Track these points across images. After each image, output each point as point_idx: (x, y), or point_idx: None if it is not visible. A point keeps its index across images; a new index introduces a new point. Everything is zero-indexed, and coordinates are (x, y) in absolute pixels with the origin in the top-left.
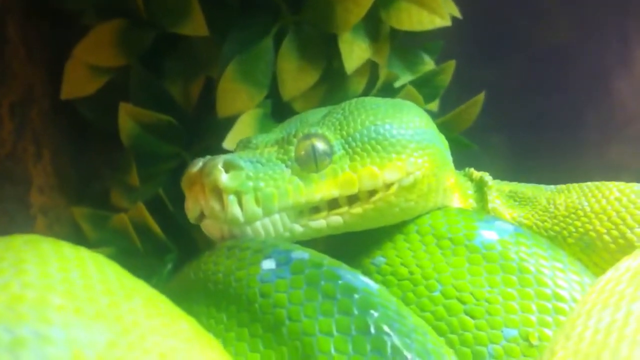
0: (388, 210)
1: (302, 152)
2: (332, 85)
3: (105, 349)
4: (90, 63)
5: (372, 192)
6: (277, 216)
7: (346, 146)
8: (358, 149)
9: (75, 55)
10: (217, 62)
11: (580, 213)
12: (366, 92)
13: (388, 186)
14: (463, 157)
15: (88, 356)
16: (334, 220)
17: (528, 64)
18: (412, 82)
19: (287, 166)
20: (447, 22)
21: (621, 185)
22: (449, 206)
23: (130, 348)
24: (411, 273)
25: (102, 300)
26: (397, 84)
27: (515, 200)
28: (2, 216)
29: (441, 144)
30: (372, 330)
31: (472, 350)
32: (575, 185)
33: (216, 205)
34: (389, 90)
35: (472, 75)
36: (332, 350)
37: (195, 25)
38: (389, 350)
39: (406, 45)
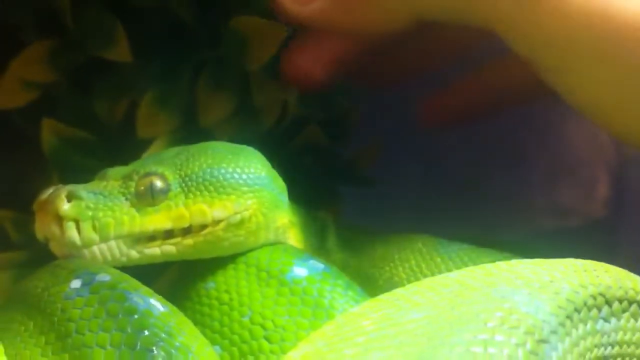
0: (218, 244)
1: (142, 188)
2: (246, 117)
3: None
4: (23, 77)
5: (203, 227)
6: (113, 243)
7: (183, 185)
8: (193, 188)
9: (11, 68)
10: (140, 87)
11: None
12: (277, 126)
13: (217, 222)
14: None
15: None
16: (168, 249)
17: None
18: (320, 121)
19: (126, 199)
20: None
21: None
22: (282, 243)
23: None
24: (231, 299)
25: None
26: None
27: (350, 242)
28: None
29: (274, 188)
30: (138, 347)
31: None
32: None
33: (57, 230)
34: (297, 126)
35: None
36: None
37: (120, 51)
38: None
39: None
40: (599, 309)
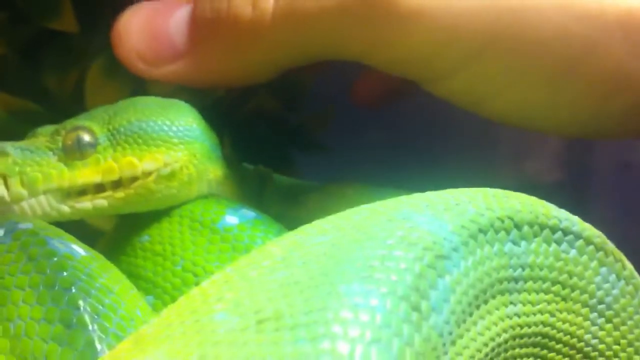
0: (150, 196)
1: (69, 142)
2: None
3: None
4: None
5: (134, 179)
6: (42, 197)
7: (111, 138)
8: (122, 141)
9: None
10: (87, 58)
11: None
12: (229, 93)
13: (147, 174)
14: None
15: None
16: (99, 203)
17: None
18: (272, 89)
19: (54, 154)
20: None
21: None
22: (215, 195)
23: None
24: (164, 249)
25: None
26: None
27: (287, 194)
28: None
29: (206, 140)
30: (57, 287)
31: None
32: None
33: None
34: (249, 93)
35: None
36: (21, 302)
37: (66, 21)
38: (65, 301)
39: None
40: (507, 232)
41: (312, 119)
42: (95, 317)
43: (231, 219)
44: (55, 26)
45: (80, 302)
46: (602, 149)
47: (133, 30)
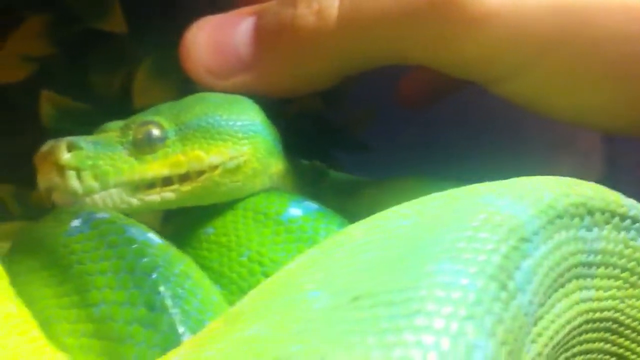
0: (215, 189)
1: (139, 136)
2: None
3: None
4: (22, 52)
5: (201, 173)
6: (113, 190)
7: (179, 132)
8: (189, 135)
9: (9, 43)
10: (136, 58)
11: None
12: None
13: (214, 168)
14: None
15: None
16: (167, 195)
17: None
18: None
19: (124, 148)
20: None
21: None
22: (277, 188)
23: None
24: (229, 241)
25: None
26: None
27: (344, 188)
28: None
29: (268, 135)
30: (138, 272)
31: None
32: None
33: (59, 180)
34: None
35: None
36: (104, 287)
37: (115, 22)
38: (147, 285)
39: None
40: (581, 218)
41: (354, 119)
42: (177, 300)
43: (295, 211)
44: (103, 27)
45: (161, 287)
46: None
47: (200, 45)
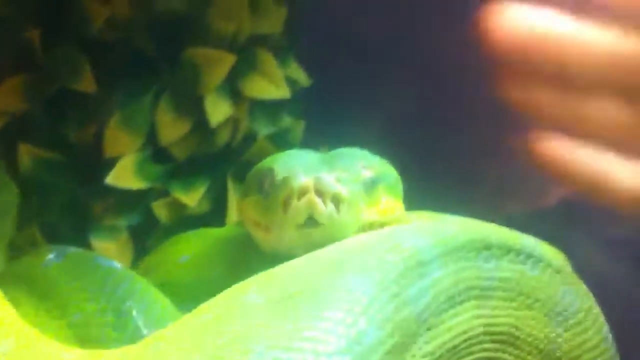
0: None
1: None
2: (202, 135)
3: None
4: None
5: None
6: None
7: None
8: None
9: None
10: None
11: None
12: (230, 142)
13: None
14: None
15: None
16: None
17: None
18: (268, 136)
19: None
20: (286, 94)
21: None
22: None
23: None
24: None
25: None
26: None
27: None
28: None
29: None
30: (107, 288)
31: None
32: None
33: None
34: (248, 141)
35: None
36: (79, 301)
37: (85, 83)
38: (115, 299)
39: (269, 105)
40: (479, 251)
41: None
42: (141, 309)
43: None
44: (77, 87)
45: (128, 301)
46: None
47: None
